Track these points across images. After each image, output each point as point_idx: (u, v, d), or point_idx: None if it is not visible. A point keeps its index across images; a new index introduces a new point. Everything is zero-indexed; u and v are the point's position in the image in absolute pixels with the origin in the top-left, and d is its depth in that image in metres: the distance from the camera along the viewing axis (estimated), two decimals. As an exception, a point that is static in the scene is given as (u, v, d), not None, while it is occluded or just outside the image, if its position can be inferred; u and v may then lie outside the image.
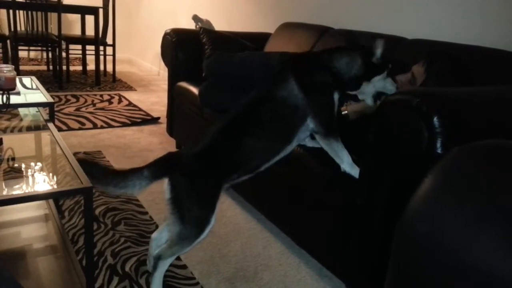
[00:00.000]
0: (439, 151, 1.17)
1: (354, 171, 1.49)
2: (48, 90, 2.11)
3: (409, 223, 0.77)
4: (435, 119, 1.17)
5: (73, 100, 3.92)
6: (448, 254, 0.68)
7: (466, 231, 0.67)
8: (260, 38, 3.06)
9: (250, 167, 1.51)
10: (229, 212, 2.12)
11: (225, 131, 1.48)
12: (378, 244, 1.40)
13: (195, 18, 3.93)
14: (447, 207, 0.72)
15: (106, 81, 4.86)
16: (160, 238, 1.55)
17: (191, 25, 4.03)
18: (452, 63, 1.68)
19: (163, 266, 1.43)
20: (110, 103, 3.95)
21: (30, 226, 1.72)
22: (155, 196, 2.18)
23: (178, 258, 1.69)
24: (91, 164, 1.42)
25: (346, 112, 1.73)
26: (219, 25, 3.94)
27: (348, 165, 1.50)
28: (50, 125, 1.79)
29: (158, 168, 1.38)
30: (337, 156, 1.51)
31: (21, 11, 4.20)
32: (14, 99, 1.82)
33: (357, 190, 1.45)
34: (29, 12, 4.10)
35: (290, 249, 1.83)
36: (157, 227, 1.90)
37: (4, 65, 1.77)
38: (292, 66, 1.56)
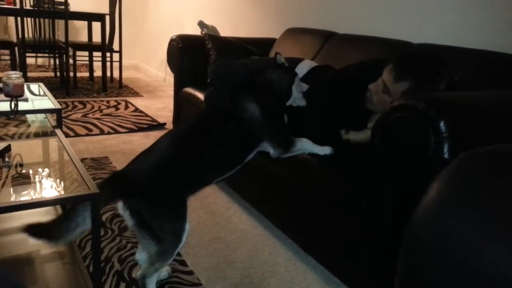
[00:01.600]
0: (446, 156, 1.16)
1: (326, 150, 1.64)
2: (55, 96, 2.13)
3: (417, 228, 0.77)
4: (442, 123, 1.16)
5: (80, 106, 3.95)
6: (456, 259, 0.68)
7: (474, 236, 0.67)
8: (265, 44, 3.07)
9: (208, 181, 1.53)
10: (235, 218, 2.11)
11: (183, 145, 1.44)
12: (385, 250, 1.39)
13: (201, 24, 3.95)
14: (455, 212, 0.72)
15: (112, 87, 4.89)
16: (144, 257, 1.47)
17: (197, 31, 4.05)
18: (427, 68, 1.60)
19: (151, 284, 1.40)
20: (117, 109, 3.97)
21: (37, 232, 1.73)
22: (162, 202, 2.18)
23: (184, 264, 1.69)
24: (33, 228, 1.23)
25: (348, 137, 1.72)
26: (225, 31, 3.95)
27: (319, 151, 1.65)
28: (58, 131, 1.80)
29: (106, 193, 1.28)
30: (304, 151, 1.66)
31: (28, 19, 4.24)
32: (22, 106, 1.83)
33: (363, 195, 1.45)
34: (37, 20, 4.14)
35: (297, 256, 1.82)
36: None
37: (12, 72, 1.79)
38: (252, 88, 1.62)
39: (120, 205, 1.32)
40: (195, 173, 1.44)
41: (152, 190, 1.33)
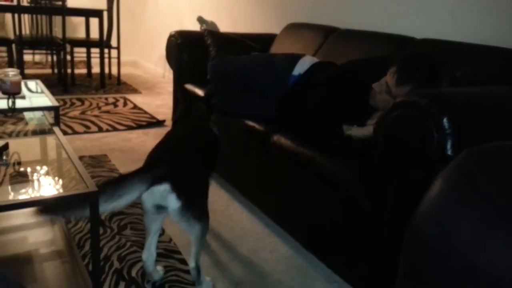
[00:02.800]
0: (449, 152, 1.15)
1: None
2: (53, 93, 2.11)
3: (419, 226, 0.76)
4: (444, 120, 1.15)
5: (78, 103, 3.93)
6: (457, 257, 0.68)
7: (476, 234, 0.66)
8: (266, 39, 3.05)
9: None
10: (236, 216, 2.10)
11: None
12: (387, 247, 1.38)
13: (200, 20, 3.93)
14: (457, 210, 0.71)
15: (111, 84, 4.86)
16: (152, 255, 1.53)
17: (196, 26, 4.02)
18: (429, 70, 1.61)
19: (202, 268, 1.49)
20: (115, 106, 3.95)
21: (36, 231, 1.71)
22: (161, 200, 2.16)
23: (185, 263, 1.67)
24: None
25: (350, 133, 1.71)
26: (224, 27, 3.93)
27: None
28: (56, 129, 1.78)
29: (155, 173, 1.32)
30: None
31: (25, 15, 4.21)
32: (19, 103, 1.82)
33: (365, 192, 1.44)
34: (34, 16, 4.11)
35: (298, 253, 1.81)
36: (163, 230, 1.89)
37: (10, 69, 1.77)
38: None
39: (163, 188, 1.31)
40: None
41: (192, 169, 1.43)
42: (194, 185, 1.42)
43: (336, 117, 1.77)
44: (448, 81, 1.58)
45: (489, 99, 1.33)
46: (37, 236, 1.67)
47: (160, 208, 1.39)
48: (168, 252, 1.74)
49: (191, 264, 1.48)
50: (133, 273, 1.59)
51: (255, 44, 2.84)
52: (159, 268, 1.60)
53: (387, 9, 2.45)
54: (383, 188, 1.37)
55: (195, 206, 1.38)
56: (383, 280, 1.42)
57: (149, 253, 1.52)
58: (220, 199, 2.25)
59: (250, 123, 2.07)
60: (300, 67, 2.09)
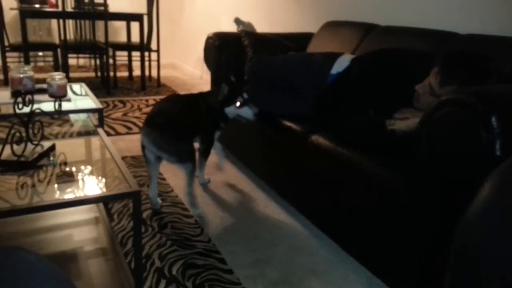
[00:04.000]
0: (498, 153, 1.10)
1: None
2: (96, 96, 2.18)
3: (469, 228, 0.74)
4: (493, 119, 1.10)
5: (120, 105, 4.04)
6: (509, 266, 0.64)
7: None
8: (302, 38, 3.02)
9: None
10: (273, 216, 2.09)
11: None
12: (432, 250, 1.34)
13: (237, 21, 3.94)
14: (509, 214, 0.68)
15: (151, 86, 4.97)
16: (155, 191, 2.12)
17: (233, 28, 4.05)
18: (473, 68, 1.54)
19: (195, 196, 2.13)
20: (155, 107, 4.03)
21: (81, 229, 1.77)
22: (200, 200, 2.19)
23: (224, 262, 1.68)
24: None
25: (393, 127, 1.66)
26: (261, 27, 3.93)
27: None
28: (100, 130, 1.84)
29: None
30: None
31: (70, 21, 4.37)
32: (65, 106, 1.88)
33: (408, 193, 1.40)
34: (78, 21, 4.26)
35: (338, 256, 1.78)
36: (202, 230, 1.91)
37: (56, 73, 1.83)
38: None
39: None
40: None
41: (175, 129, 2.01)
42: (179, 140, 1.99)
43: (378, 111, 1.73)
44: (495, 78, 1.50)
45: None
46: (82, 234, 1.72)
47: (158, 159, 2.03)
48: (207, 252, 1.76)
49: (186, 190, 2.09)
50: (174, 271, 1.61)
51: (292, 43, 2.82)
52: (159, 200, 2.16)
53: (429, 4, 2.37)
54: (427, 189, 1.33)
55: (182, 155, 1.99)
56: (426, 284, 1.38)
57: (154, 192, 2.11)
58: (258, 200, 2.25)
59: (288, 123, 2.05)
60: (339, 66, 2.06)
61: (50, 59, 4.93)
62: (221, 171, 2.56)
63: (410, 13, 2.49)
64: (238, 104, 2.09)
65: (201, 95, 2.20)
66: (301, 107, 2.10)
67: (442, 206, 1.30)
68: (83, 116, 2.12)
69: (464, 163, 1.20)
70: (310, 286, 1.59)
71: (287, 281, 1.61)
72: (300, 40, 2.99)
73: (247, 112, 2.10)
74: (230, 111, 2.11)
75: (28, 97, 1.52)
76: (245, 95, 2.10)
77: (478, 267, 0.71)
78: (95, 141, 1.83)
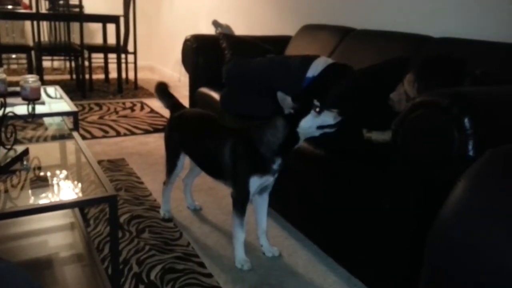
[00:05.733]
0: (471, 153, 1.13)
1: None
2: (71, 99, 2.14)
3: (443, 226, 0.75)
4: (466, 120, 1.13)
5: (96, 108, 3.98)
6: (483, 259, 0.67)
7: (501, 236, 0.65)
8: (281, 41, 3.04)
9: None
10: (253, 218, 2.09)
11: None
12: (408, 250, 1.36)
13: (215, 23, 3.94)
14: (480, 211, 0.71)
15: (128, 88, 4.91)
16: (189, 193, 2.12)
17: (211, 30, 4.04)
18: (449, 73, 1.57)
19: None
20: (133, 110, 3.99)
21: (56, 235, 1.73)
22: (179, 203, 2.17)
23: (203, 266, 1.67)
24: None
25: (370, 136, 1.68)
26: (239, 30, 3.94)
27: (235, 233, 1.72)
28: (75, 133, 1.80)
29: None
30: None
31: (44, 22, 4.29)
32: (39, 109, 1.84)
33: (386, 196, 1.41)
34: (52, 23, 4.18)
35: (317, 257, 1.79)
36: (181, 234, 1.89)
37: (29, 76, 1.79)
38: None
39: None
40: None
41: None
42: None
43: (355, 120, 1.75)
44: (468, 81, 1.54)
45: (512, 98, 1.30)
46: (57, 240, 1.68)
47: None
48: (186, 256, 1.74)
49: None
50: (152, 277, 1.59)
51: (270, 46, 2.83)
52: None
53: (404, 8, 2.42)
54: (403, 190, 1.35)
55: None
56: (404, 283, 1.40)
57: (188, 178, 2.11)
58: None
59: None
60: (314, 69, 2.07)
61: (24, 61, 4.83)
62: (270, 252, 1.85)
63: (385, 17, 2.54)
64: (318, 110, 1.51)
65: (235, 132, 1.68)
66: (279, 110, 2.11)
67: (419, 207, 1.32)
68: (57, 119, 2.08)
69: (438, 164, 1.22)
70: (290, 287, 1.60)
71: (267, 283, 1.61)
72: (278, 43, 3.01)
73: (329, 117, 1.52)
74: (306, 125, 1.51)
75: (0, 100, 1.48)
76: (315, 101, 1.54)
77: (452, 266, 0.72)
78: (70, 145, 1.80)
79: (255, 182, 1.61)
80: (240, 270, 1.66)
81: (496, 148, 0.79)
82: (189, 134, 1.85)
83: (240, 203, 1.66)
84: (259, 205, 1.79)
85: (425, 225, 1.27)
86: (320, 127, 1.52)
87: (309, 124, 1.51)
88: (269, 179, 1.65)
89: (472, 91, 1.34)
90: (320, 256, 1.79)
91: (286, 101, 1.51)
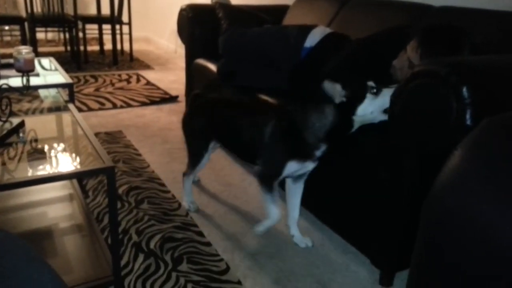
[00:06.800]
0: (468, 123, 1.12)
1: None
2: (66, 71, 2.11)
3: (437, 196, 0.75)
4: (464, 89, 1.12)
5: (92, 80, 3.94)
6: (477, 228, 0.67)
7: (496, 205, 0.66)
8: (278, 11, 2.99)
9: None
10: (250, 189, 2.11)
11: None
12: (404, 219, 1.38)
13: (211, -7, 3.86)
14: (476, 180, 0.70)
15: (123, 60, 4.85)
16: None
17: None
18: (450, 41, 1.55)
19: None
20: (129, 82, 3.95)
21: (55, 206, 1.74)
22: (177, 175, 2.18)
23: (202, 235, 1.70)
24: None
25: None
26: None
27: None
28: (71, 106, 1.79)
29: None
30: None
31: (36, -8, 4.20)
32: (33, 81, 1.82)
33: (382, 163, 1.42)
34: (45, -7, 4.09)
35: (314, 226, 1.82)
36: (179, 205, 1.91)
37: (23, 47, 1.76)
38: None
39: None
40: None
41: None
42: None
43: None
44: (468, 50, 1.52)
45: (511, 66, 1.29)
46: (57, 211, 1.70)
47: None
48: (185, 225, 1.76)
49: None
50: (152, 246, 1.61)
51: (268, 16, 2.78)
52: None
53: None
54: (400, 160, 1.35)
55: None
56: (399, 250, 1.42)
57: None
58: (234, 173, 2.26)
59: (264, 97, 2.05)
60: (312, 39, 2.04)
61: (17, 33, 4.74)
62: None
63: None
64: (374, 91, 1.38)
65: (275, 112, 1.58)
66: (278, 81, 2.09)
67: (415, 177, 1.33)
68: (53, 91, 2.06)
69: (436, 134, 1.22)
70: (287, 255, 1.62)
71: (264, 252, 1.64)
72: (276, 12, 2.96)
73: (387, 98, 1.33)
74: (366, 111, 1.39)
75: (-7, 71, 1.46)
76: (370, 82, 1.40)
77: (445, 235, 0.73)
78: (66, 117, 1.79)
79: (292, 167, 1.51)
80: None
81: (493, 117, 0.79)
82: (221, 120, 1.72)
83: (268, 178, 1.54)
84: (293, 193, 1.68)
85: (421, 195, 1.28)
86: (386, 110, 1.35)
87: (370, 110, 1.37)
88: (309, 166, 1.54)
89: (471, 60, 1.33)
90: (317, 225, 1.82)
91: (335, 89, 1.37)
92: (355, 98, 1.38)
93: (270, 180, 1.55)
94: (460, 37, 1.55)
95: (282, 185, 1.72)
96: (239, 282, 1.47)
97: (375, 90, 1.36)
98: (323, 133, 1.44)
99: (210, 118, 1.77)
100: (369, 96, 1.37)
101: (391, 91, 1.31)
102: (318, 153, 1.49)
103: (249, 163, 1.78)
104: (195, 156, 1.83)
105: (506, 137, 0.74)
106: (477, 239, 0.67)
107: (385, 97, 1.35)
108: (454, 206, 0.72)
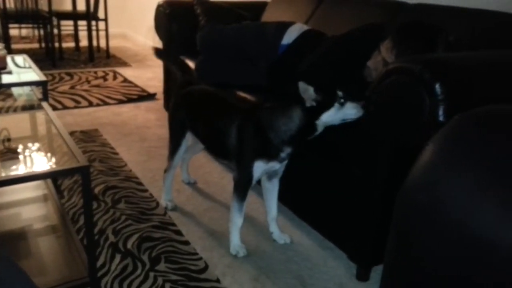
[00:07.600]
0: (441, 119, 1.15)
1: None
2: (41, 68, 2.07)
3: (410, 192, 0.76)
4: (437, 86, 1.14)
5: (67, 78, 3.86)
6: (449, 223, 0.68)
7: (468, 200, 0.66)
8: (257, 7, 2.98)
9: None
10: (229, 187, 2.10)
11: None
12: (379, 214, 1.39)
13: (189, -11, 3.82)
14: (448, 175, 0.71)
15: (100, 57, 4.78)
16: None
17: (184, -4, 3.92)
18: (425, 39, 1.57)
19: None
20: (105, 80, 3.89)
21: (29, 207, 1.71)
22: (155, 173, 2.16)
23: (180, 234, 1.69)
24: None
25: None
26: (213, -4, 3.83)
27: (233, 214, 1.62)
28: (44, 104, 1.75)
29: None
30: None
31: (9, -13, 4.09)
32: (6, 79, 1.78)
33: (356, 161, 1.44)
34: (18, -12, 3.99)
35: (292, 222, 1.83)
36: (157, 204, 1.90)
37: (-6, 44, 1.72)
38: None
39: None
40: None
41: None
42: None
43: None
44: (442, 47, 1.55)
45: (483, 64, 1.31)
46: (30, 212, 1.66)
47: None
48: (163, 224, 1.75)
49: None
50: (129, 246, 1.60)
51: (246, 12, 2.78)
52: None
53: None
54: (374, 155, 1.37)
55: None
56: (375, 246, 1.44)
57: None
58: (213, 171, 2.25)
59: (242, 93, 2.04)
60: (289, 36, 2.05)
61: (-11, 29, 4.61)
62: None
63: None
64: (342, 101, 1.39)
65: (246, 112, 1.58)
66: (256, 78, 2.09)
67: (389, 173, 1.35)
68: (27, 89, 2.01)
69: (410, 130, 1.24)
70: (266, 251, 1.63)
71: (243, 247, 1.63)
72: (254, 9, 2.95)
73: (352, 110, 1.39)
74: (328, 118, 1.41)
75: (-38, 69, 1.42)
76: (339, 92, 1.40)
77: (418, 230, 0.74)
78: (40, 115, 1.76)
79: (259, 167, 1.52)
80: (235, 257, 1.59)
81: (464, 112, 0.80)
82: (197, 112, 1.73)
83: (242, 186, 1.57)
84: (269, 191, 1.70)
85: (395, 190, 1.30)
86: (343, 120, 1.42)
87: (331, 118, 1.41)
88: (275, 166, 1.56)
89: (445, 57, 1.36)
90: (295, 221, 1.83)
91: (308, 91, 1.38)
92: (324, 104, 1.40)
93: (245, 187, 1.57)
94: (435, 35, 1.57)
95: (259, 181, 1.73)
96: (217, 280, 1.46)
97: (342, 101, 1.39)
98: (288, 136, 1.47)
99: (188, 108, 1.77)
100: (336, 105, 1.39)
101: (356, 106, 1.37)
102: (283, 154, 1.51)
103: (215, 157, 1.88)
104: (173, 144, 1.84)
105: (475, 133, 0.76)
106: (447, 233, 0.68)
107: (348, 109, 1.39)
108: (424, 201, 0.72)
